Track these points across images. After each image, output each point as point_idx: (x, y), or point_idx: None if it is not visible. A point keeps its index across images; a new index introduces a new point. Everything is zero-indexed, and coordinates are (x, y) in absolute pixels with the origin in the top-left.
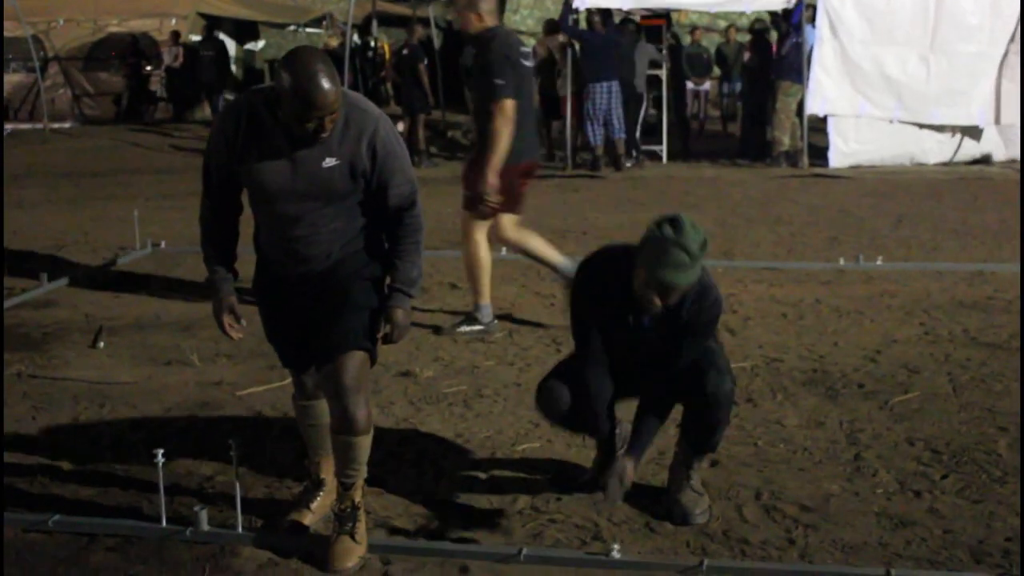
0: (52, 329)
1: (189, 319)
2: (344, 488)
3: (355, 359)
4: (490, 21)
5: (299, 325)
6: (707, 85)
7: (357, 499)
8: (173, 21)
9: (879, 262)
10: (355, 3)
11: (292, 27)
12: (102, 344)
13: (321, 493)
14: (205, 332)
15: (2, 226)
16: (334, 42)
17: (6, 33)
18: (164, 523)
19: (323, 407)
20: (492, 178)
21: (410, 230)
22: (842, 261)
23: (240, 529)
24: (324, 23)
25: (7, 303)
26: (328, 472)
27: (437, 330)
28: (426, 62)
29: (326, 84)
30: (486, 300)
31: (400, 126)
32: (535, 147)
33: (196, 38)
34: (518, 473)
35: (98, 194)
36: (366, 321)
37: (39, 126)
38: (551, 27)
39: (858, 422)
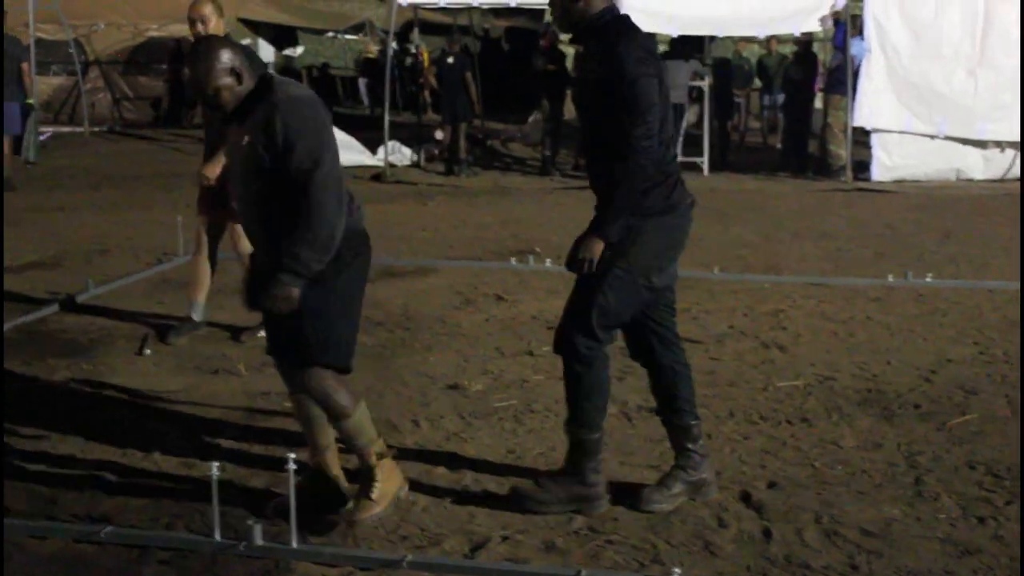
0: (97, 335)
1: (234, 327)
2: (360, 457)
3: (311, 376)
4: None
5: (272, 320)
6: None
7: (372, 462)
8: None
9: (929, 279)
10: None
11: (331, 34)
12: (148, 351)
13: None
14: (251, 340)
15: (2, 237)
16: (373, 49)
17: (48, 36)
18: (217, 537)
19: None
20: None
21: (305, 207)
22: (891, 278)
23: (295, 544)
24: (363, 30)
25: (49, 309)
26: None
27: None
28: (473, 70)
29: (190, 66)
30: None
31: (439, 134)
32: None
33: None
34: None
35: (139, 198)
36: (313, 332)
37: (79, 129)
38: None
39: (916, 444)
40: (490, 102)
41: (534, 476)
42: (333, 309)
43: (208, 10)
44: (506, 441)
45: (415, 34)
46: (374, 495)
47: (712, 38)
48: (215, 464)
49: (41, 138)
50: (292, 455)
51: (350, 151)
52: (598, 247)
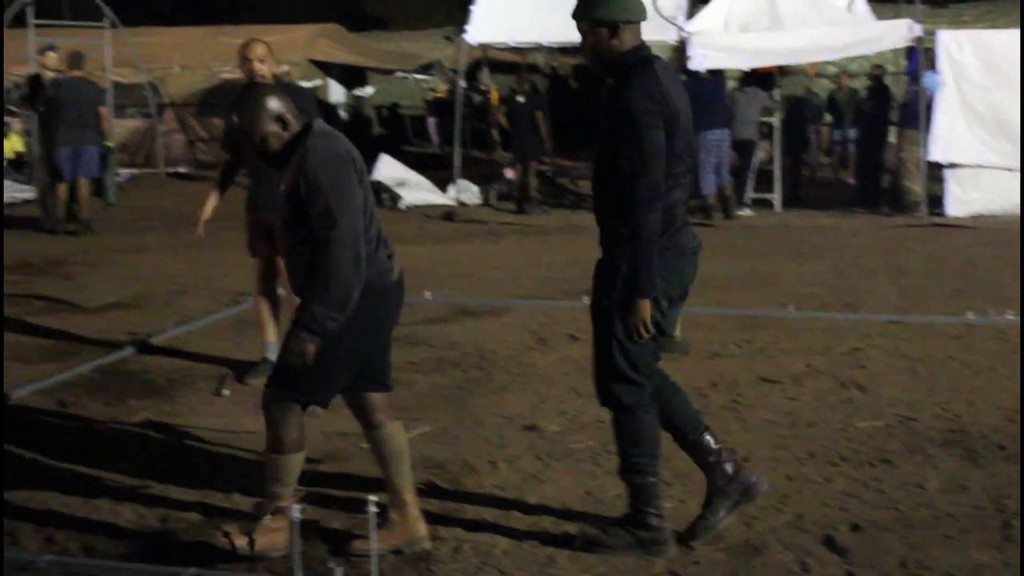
0: (176, 376)
1: None
2: (264, 498)
3: (276, 401)
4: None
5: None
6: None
7: (265, 510)
8: (285, 68)
9: (1009, 316)
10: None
11: (400, 74)
12: (227, 392)
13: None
14: None
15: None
16: (442, 88)
17: (124, 80)
18: None
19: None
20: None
21: (320, 262)
22: (970, 315)
23: None
24: (432, 70)
25: (128, 351)
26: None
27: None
28: (543, 109)
29: (238, 113)
30: None
31: (509, 173)
32: None
33: (307, 84)
34: None
35: (215, 239)
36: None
37: (156, 171)
38: None
39: (1002, 487)
40: (559, 140)
41: (612, 519)
42: (321, 352)
43: (262, 51)
44: (584, 483)
45: (484, 73)
46: (245, 534)
47: (783, 74)
48: (296, 506)
49: (119, 179)
50: (373, 497)
51: (420, 190)
52: (646, 308)
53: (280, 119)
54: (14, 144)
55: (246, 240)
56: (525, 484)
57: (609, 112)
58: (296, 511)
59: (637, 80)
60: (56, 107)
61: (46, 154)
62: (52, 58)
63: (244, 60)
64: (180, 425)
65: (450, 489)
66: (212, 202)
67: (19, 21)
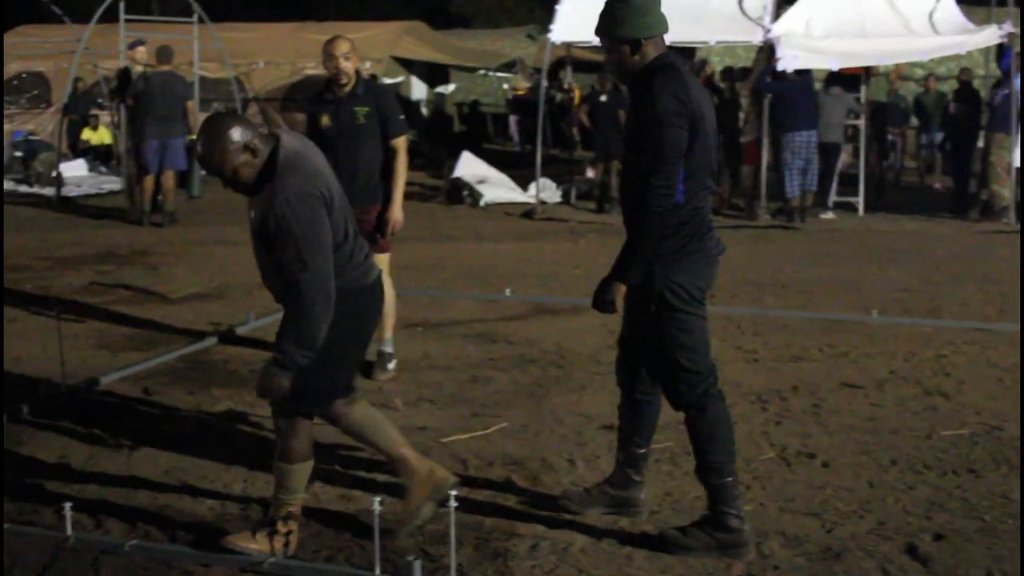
0: (258, 366)
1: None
2: (272, 505)
3: (283, 421)
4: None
5: None
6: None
7: (276, 515)
8: (368, 64)
9: None
10: (543, 47)
11: (482, 71)
12: None
13: None
14: (407, 375)
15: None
16: (524, 86)
17: (210, 75)
18: (378, 572)
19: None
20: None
21: (291, 302)
22: None
23: None
24: (514, 68)
25: (211, 340)
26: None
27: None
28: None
29: (203, 147)
30: None
31: (590, 172)
32: None
33: (389, 81)
34: None
35: None
36: (301, 386)
37: None
38: (729, 74)
39: None
40: None
41: (691, 520)
42: (312, 363)
43: (346, 48)
44: (663, 484)
45: (567, 72)
46: (259, 535)
47: (869, 76)
48: (376, 499)
49: (203, 173)
50: (453, 492)
51: (500, 188)
52: (619, 290)
53: (248, 147)
54: (102, 136)
55: None
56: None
57: (634, 116)
58: (376, 504)
59: (662, 82)
60: (144, 101)
61: (134, 147)
62: (141, 52)
63: (329, 57)
64: (262, 415)
65: (528, 487)
66: None
67: (109, 16)
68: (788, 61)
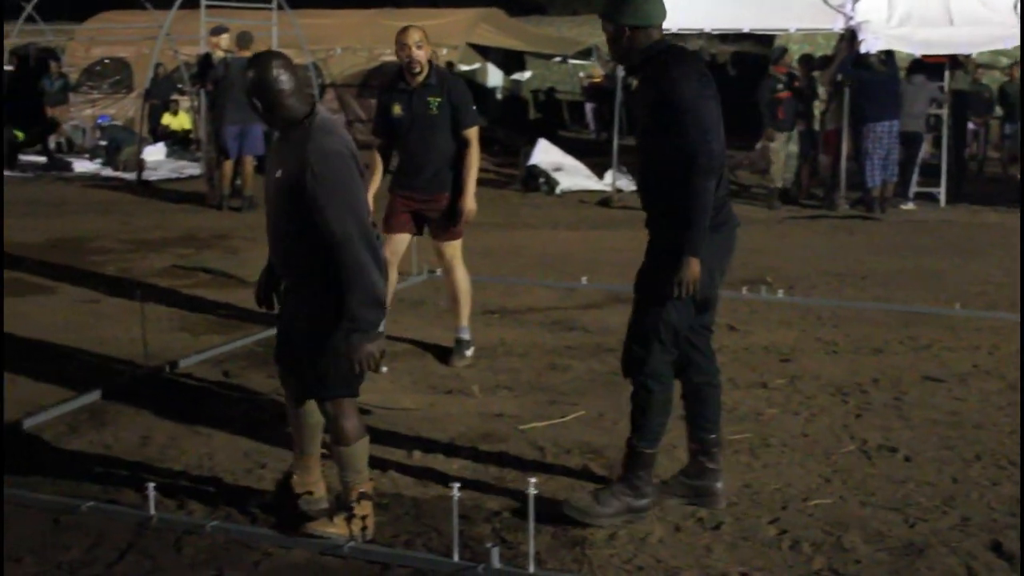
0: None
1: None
2: (343, 489)
3: (329, 406)
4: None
5: (287, 334)
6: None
7: (351, 498)
8: (444, 51)
9: None
10: None
11: (558, 59)
12: (384, 369)
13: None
14: (484, 362)
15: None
16: (600, 73)
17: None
18: (456, 557)
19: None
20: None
21: (346, 271)
22: None
23: (532, 569)
24: (590, 55)
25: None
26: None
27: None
28: None
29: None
30: None
31: None
32: None
33: (465, 68)
34: (810, 530)
35: (375, 217)
36: (335, 368)
37: None
38: (808, 62)
39: None
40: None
41: (769, 513)
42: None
43: (418, 36)
44: (742, 475)
45: None
46: (337, 519)
47: (955, 65)
48: (455, 484)
49: None
50: (532, 479)
51: (576, 175)
52: (695, 266)
53: (292, 90)
54: (182, 121)
55: (384, 215)
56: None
57: (651, 101)
58: (455, 490)
59: (675, 63)
60: (224, 86)
61: (214, 132)
62: (225, 39)
63: (401, 46)
64: None
65: (606, 475)
66: (372, 187)
67: (190, 2)
68: (870, 43)
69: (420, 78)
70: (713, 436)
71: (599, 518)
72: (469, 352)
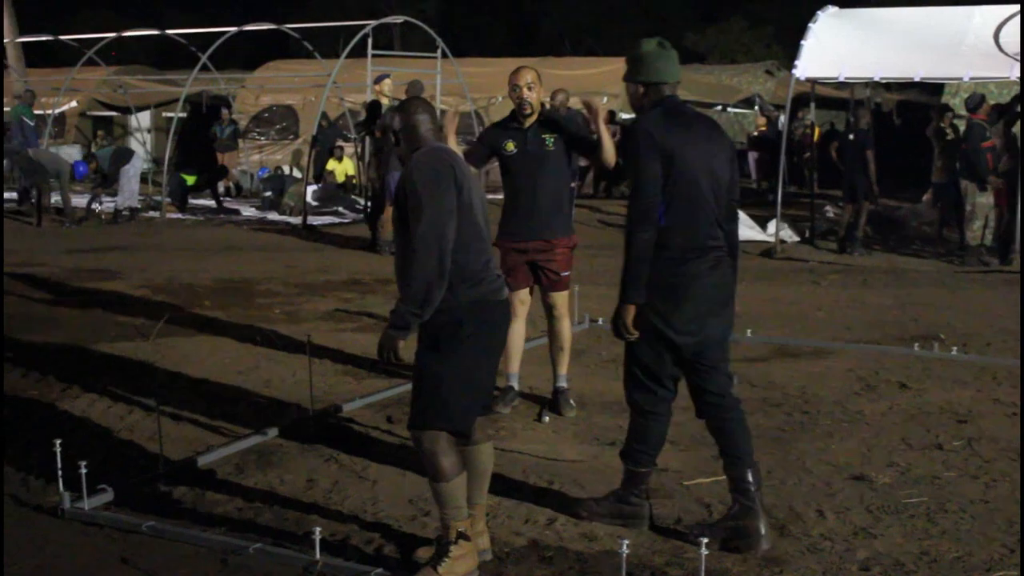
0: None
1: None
2: (442, 527)
3: (423, 434)
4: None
5: None
6: None
7: (450, 536)
8: (605, 99)
9: None
10: (781, 84)
11: (719, 107)
12: (547, 419)
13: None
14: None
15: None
16: (762, 123)
17: (452, 108)
18: None
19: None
20: None
21: (408, 259)
22: None
23: None
24: (754, 105)
25: None
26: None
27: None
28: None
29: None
30: None
31: (830, 211)
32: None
33: (626, 116)
34: None
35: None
36: (431, 397)
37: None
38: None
39: None
40: (881, 177)
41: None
42: (450, 376)
43: (531, 77)
44: (919, 542)
45: (811, 109)
46: (441, 569)
47: None
48: (624, 541)
49: None
50: (704, 539)
51: (740, 226)
52: (625, 311)
53: (419, 127)
54: (346, 167)
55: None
56: (855, 537)
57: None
58: (624, 547)
59: (642, 119)
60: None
61: (379, 178)
62: (388, 85)
63: (513, 87)
64: (502, 448)
65: (774, 535)
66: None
67: (356, 51)
68: None
69: (532, 119)
70: (738, 471)
71: (596, 516)
72: (571, 405)
